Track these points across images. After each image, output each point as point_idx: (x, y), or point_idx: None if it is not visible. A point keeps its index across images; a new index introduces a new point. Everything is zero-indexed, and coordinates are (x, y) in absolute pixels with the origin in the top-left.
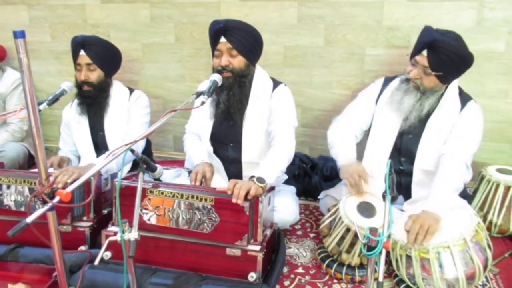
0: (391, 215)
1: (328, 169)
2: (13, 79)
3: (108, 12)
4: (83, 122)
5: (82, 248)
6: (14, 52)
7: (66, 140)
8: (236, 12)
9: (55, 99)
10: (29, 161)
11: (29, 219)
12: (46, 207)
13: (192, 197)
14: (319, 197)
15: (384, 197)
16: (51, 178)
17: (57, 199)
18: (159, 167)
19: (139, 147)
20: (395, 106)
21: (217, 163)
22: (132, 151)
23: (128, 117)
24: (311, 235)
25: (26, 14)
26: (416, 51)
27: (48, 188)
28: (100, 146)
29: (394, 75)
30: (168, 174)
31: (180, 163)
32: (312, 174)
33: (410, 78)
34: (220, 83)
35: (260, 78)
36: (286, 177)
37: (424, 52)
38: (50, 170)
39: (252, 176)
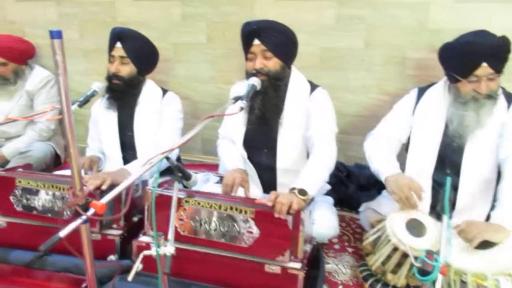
0: (451, 238)
1: (365, 178)
2: (41, 77)
3: (138, 9)
4: (112, 120)
5: (112, 257)
6: (42, 49)
7: (94, 137)
8: (271, 11)
9: (86, 100)
10: (55, 161)
11: (62, 233)
12: (80, 220)
13: (231, 208)
14: (359, 209)
15: (438, 214)
16: (86, 189)
17: (91, 211)
18: (193, 175)
19: (173, 154)
20: (475, 126)
21: (250, 170)
22: (168, 158)
23: (160, 120)
24: (350, 249)
25: (54, 11)
26: (473, 67)
27: (82, 199)
28: (127, 146)
29: (427, 85)
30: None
31: (208, 166)
32: (348, 183)
33: (482, 92)
34: (258, 88)
35: (297, 80)
36: (328, 187)
37: (484, 63)
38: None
39: (293, 188)
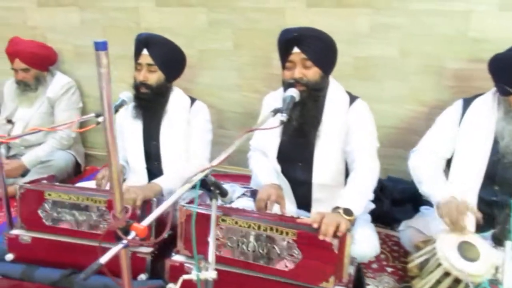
0: None
1: (399, 192)
2: (62, 83)
3: (163, 15)
4: (137, 128)
5: (142, 276)
6: (63, 55)
7: (118, 145)
8: (303, 18)
9: (115, 111)
10: (75, 169)
11: (103, 259)
12: (120, 245)
13: (271, 229)
14: (399, 228)
15: (498, 240)
16: (128, 210)
17: (132, 234)
18: (230, 191)
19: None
20: None
21: (284, 184)
22: (206, 175)
23: (187, 130)
24: (388, 269)
25: (77, 16)
26: None
27: (123, 223)
28: (152, 156)
29: (473, 96)
30: None
31: (233, 177)
32: (382, 198)
33: None
34: (297, 99)
35: (335, 91)
36: (372, 206)
37: None
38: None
39: (337, 207)
